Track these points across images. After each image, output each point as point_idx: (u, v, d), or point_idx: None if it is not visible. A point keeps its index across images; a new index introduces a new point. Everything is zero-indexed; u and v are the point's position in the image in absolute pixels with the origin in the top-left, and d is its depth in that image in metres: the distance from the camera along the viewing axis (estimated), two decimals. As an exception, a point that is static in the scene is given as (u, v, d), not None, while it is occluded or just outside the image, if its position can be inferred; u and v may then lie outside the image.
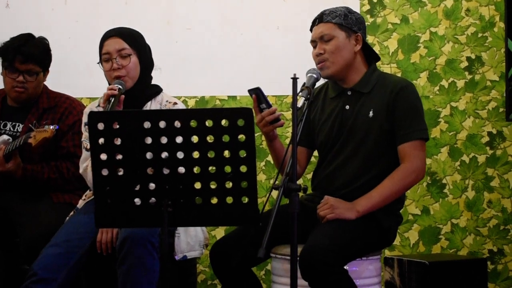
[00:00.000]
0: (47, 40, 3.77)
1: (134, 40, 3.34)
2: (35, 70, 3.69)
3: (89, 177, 3.30)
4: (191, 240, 3.35)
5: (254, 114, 2.75)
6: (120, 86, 3.19)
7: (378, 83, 3.17)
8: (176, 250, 3.30)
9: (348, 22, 3.14)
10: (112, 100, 3.12)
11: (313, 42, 3.19)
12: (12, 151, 3.52)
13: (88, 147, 3.31)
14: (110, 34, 3.34)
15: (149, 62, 3.41)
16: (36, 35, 3.78)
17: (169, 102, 3.37)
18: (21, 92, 3.69)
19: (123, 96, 3.19)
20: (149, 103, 3.37)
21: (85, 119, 3.40)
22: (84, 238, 3.22)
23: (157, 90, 3.42)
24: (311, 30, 3.23)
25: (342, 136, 3.17)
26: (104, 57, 3.31)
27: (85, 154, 3.34)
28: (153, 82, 3.46)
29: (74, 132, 3.66)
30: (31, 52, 3.65)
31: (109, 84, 3.28)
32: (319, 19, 3.18)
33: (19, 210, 3.58)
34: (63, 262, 3.16)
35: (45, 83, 3.82)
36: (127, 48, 3.30)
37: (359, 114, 3.14)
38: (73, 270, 3.18)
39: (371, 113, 3.13)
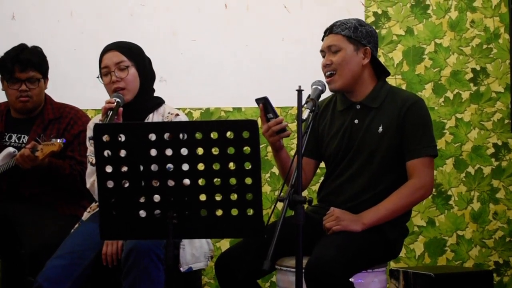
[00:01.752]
0: (40, 48, 3.78)
1: (132, 52, 3.35)
2: (36, 77, 3.70)
3: (96, 192, 3.30)
4: (196, 252, 3.34)
5: (260, 124, 2.76)
6: (118, 99, 3.19)
7: (387, 98, 3.16)
8: (181, 262, 3.29)
9: (358, 35, 3.13)
10: (110, 114, 3.12)
11: (322, 52, 3.19)
12: (6, 171, 3.54)
13: (94, 161, 3.31)
14: (108, 48, 3.35)
15: (149, 74, 3.41)
16: (42, 46, 3.80)
17: (171, 114, 3.36)
18: (26, 101, 3.70)
19: (121, 109, 3.18)
20: (151, 115, 3.37)
21: (89, 133, 3.39)
22: (89, 250, 3.21)
23: (159, 102, 3.42)
24: (322, 40, 3.23)
25: (351, 150, 3.16)
26: (103, 71, 3.32)
27: (91, 169, 3.35)
28: (158, 93, 3.46)
29: (80, 142, 3.67)
30: (28, 59, 3.67)
31: (109, 95, 3.29)
32: (330, 30, 3.18)
33: (24, 222, 3.58)
34: (68, 274, 3.15)
35: (50, 94, 3.83)
36: (125, 60, 3.31)
37: (368, 129, 3.14)
38: (78, 281, 3.17)
39: (380, 129, 3.12)
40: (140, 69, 3.34)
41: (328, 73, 3.14)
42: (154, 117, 3.36)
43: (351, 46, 3.13)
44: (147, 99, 3.38)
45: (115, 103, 3.16)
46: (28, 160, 3.45)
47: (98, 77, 3.35)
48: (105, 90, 3.41)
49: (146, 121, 3.33)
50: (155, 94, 3.44)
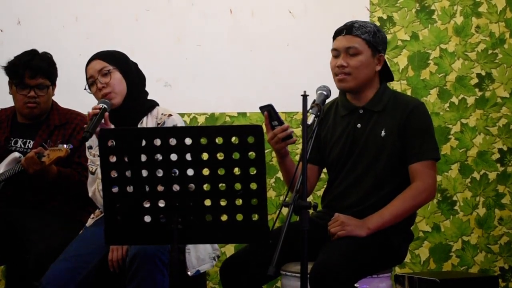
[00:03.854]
0: (50, 54, 3.79)
1: (113, 57, 3.36)
2: (45, 84, 3.71)
3: (98, 199, 3.32)
4: (200, 254, 3.34)
5: (265, 131, 2.76)
6: (105, 105, 3.20)
7: (390, 102, 3.15)
8: (188, 266, 3.29)
9: (376, 40, 3.10)
10: (95, 119, 3.13)
11: (335, 51, 3.13)
12: (12, 176, 3.54)
13: (93, 170, 3.34)
14: (90, 59, 3.38)
15: (135, 77, 3.40)
16: (47, 51, 3.80)
17: (164, 115, 3.36)
18: (33, 108, 3.71)
19: (107, 113, 3.19)
20: (144, 118, 3.37)
21: (88, 143, 3.39)
22: (93, 254, 3.22)
23: (152, 104, 3.42)
24: (334, 38, 3.17)
25: (354, 155, 3.15)
26: (89, 82, 3.35)
27: (91, 178, 3.36)
28: (163, 99, 3.47)
29: (86, 147, 3.67)
30: (39, 66, 3.67)
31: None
32: (348, 30, 3.11)
33: (28, 226, 3.58)
34: (72, 277, 3.15)
35: (55, 99, 3.83)
36: (107, 65, 3.32)
37: (371, 133, 3.13)
38: (82, 285, 3.17)
39: (383, 133, 3.12)
40: (124, 72, 3.35)
41: (342, 75, 3.10)
42: (148, 120, 3.36)
43: (369, 51, 3.10)
44: (138, 102, 3.38)
45: (101, 109, 3.17)
46: (33, 163, 3.45)
47: (85, 89, 3.36)
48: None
49: (139, 125, 3.33)
50: (154, 98, 3.45)
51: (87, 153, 3.43)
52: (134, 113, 3.36)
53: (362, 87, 3.14)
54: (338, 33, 3.15)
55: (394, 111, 3.12)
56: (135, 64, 3.46)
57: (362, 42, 3.09)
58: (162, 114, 3.37)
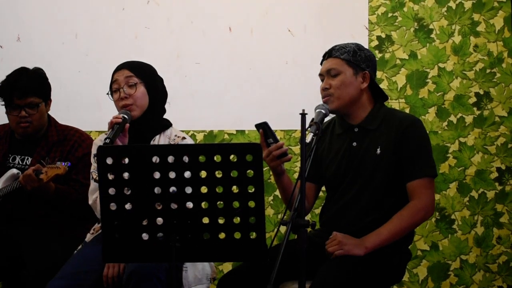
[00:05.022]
0: (42, 70, 3.76)
1: (142, 70, 3.39)
2: (35, 102, 3.68)
3: (98, 209, 3.30)
4: (198, 274, 3.33)
5: (261, 149, 2.76)
6: (126, 116, 3.23)
7: (385, 119, 3.16)
8: (183, 284, 3.28)
9: (357, 59, 3.14)
10: (116, 128, 3.15)
11: (321, 76, 3.20)
12: (9, 193, 3.54)
13: (96, 177, 3.31)
14: (120, 67, 3.40)
15: (159, 93, 3.43)
16: (47, 68, 3.79)
17: (178, 137, 3.38)
18: (26, 127, 3.70)
19: (127, 125, 3.21)
20: (157, 136, 3.38)
21: (94, 150, 3.40)
22: (91, 272, 3.21)
23: (166, 124, 3.44)
24: (321, 64, 3.24)
25: (350, 173, 3.16)
26: (114, 87, 3.36)
27: (94, 185, 3.35)
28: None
29: (84, 165, 3.67)
30: (26, 86, 3.64)
31: (118, 111, 3.32)
32: (329, 54, 3.19)
33: (26, 243, 3.57)
34: (69, 295, 3.15)
35: (53, 115, 3.83)
36: (134, 77, 3.34)
37: (366, 151, 3.14)
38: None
39: (378, 150, 3.12)
40: (149, 87, 3.37)
41: (327, 97, 3.14)
42: (160, 139, 3.37)
43: (350, 69, 3.14)
44: (155, 119, 3.39)
45: (122, 119, 3.18)
46: (30, 181, 3.45)
47: (108, 94, 3.37)
48: (109, 112, 3.42)
49: (152, 142, 3.35)
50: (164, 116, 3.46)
51: (92, 160, 3.43)
52: (148, 130, 3.37)
53: (351, 106, 3.15)
54: (322, 59, 3.23)
55: (390, 128, 3.13)
56: (161, 80, 3.47)
57: (341, 62, 3.13)
58: (175, 135, 3.39)
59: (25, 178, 3.47)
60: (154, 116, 3.39)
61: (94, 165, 3.40)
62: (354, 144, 3.17)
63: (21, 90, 3.64)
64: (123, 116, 3.21)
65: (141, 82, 3.35)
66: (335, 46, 3.20)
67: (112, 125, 3.18)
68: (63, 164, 3.43)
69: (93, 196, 3.34)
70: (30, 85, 3.66)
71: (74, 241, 3.56)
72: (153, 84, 3.40)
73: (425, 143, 3.14)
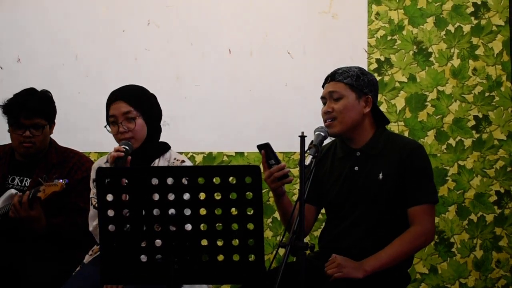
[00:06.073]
0: (50, 92, 3.77)
1: (138, 101, 3.34)
2: (41, 123, 3.69)
3: (98, 236, 3.29)
4: (196, 295, 3.32)
5: (262, 170, 2.76)
6: (127, 147, 3.20)
7: (387, 144, 3.17)
8: (181, 305, 3.27)
9: (360, 83, 3.15)
10: (120, 163, 3.12)
11: (323, 99, 3.20)
12: (7, 213, 3.53)
13: (96, 204, 3.31)
14: (115, 98, 3.35)
15: (156, 119, 3.42)
16: (47, 89, 3.80)
17: (177, 160, 3.37)
18: (29, 147, 3.70)
19: (130, 157, 3.19)
20: (157, 160, 3.37)
21: (93, 175, 3.39)
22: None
23: (165, 147, 3.43)
24: (323, 86, 3.24)
25: (351, 198, 3.15)
26: (111, 120, 3.33)
27: (93, 212, 3.34)
28: (162, 137, 3.47)
29: (83, 188, 3.66)
30: (35, 107, 3.66)
31: (117, 143, 3.29)
32: (331, 77, 3.19)
33: (25, 263, 3.56)
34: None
35: (53, 137, 3.83)
36: (132, 111, 3.31)
37: (368, 176, 3.14)
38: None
39: (380, 176, 3.12)
40: (147, 117, 3.34)
41: (329, 120, 3.14)
42: (160, 162, 3.36)
43: (353, 94, 3.14)
44: (153, 144, 3.38)
45: (124, 151, 3.17)
46: (16, 210, 3.46)
47: (105, 126, 3.35)
48: (108, 133, 3.41)
49: (152, 165, 3.33)
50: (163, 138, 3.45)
51: (91, 185, 3.42)
52: (148, 155, 3.36)
53: (353, 131, 3.16)
54: (325, 81, 3.23)
55: (392, 154, 3.13)
56: (154, 97, 3.44)
57: (344, 86, 3.14)
58: (175, 159, 3.37)
59: (16, 207, 3.48)
60: (153, 141, 3.38)
61: (93, 191, 3.39)
62: (356, 168, 3.17)
63: (30, 110, 3.65)
64: (124, 148, 3.19)
65: (140, 115, 3.33)
66: (338, 69, 3.20)
67: (114, 159, 3.15)
68: (60, 181, 3.42)
69: (94, 222, 3.33)
70: (39, 107, 3.67)
71: (71, 261, 3.55)
72: (150, 114, 3.37)
73: (428, 170, 3.15)
